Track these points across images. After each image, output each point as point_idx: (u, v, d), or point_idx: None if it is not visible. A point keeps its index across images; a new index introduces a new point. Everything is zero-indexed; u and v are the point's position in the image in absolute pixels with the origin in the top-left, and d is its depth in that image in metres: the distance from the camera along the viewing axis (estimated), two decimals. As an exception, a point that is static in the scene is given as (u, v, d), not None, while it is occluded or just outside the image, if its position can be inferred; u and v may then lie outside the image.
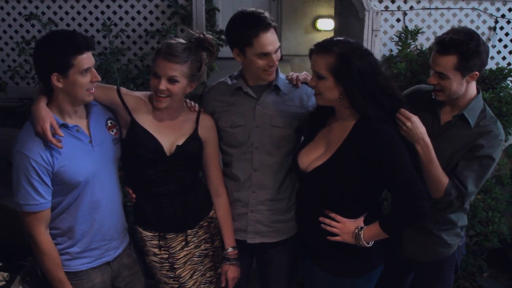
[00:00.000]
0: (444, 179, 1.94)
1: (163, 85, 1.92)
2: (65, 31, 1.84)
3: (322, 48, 1.83)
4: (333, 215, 1.89)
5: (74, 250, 1.95)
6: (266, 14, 2.00)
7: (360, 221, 1.88)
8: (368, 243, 1.86)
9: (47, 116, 1.79)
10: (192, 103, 2.15)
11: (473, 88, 2.01)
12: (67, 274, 1.93)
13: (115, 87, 2.06)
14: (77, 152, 1.87)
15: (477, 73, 1.94)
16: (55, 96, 1.85)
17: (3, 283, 2.53)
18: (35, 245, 1.86)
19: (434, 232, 2.12)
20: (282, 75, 2.16)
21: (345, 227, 1.87)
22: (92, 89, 1.85)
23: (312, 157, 1.93)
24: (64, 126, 1.85)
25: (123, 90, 2.06)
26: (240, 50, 2.02)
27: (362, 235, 1.85)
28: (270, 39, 1.96)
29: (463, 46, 1.89)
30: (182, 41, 1.98)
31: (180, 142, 2.03)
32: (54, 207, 1.88)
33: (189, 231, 2.13)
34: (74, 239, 1.94)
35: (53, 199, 1.86)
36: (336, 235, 1.88)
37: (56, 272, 1.90)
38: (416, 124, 1.85)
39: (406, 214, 1.81)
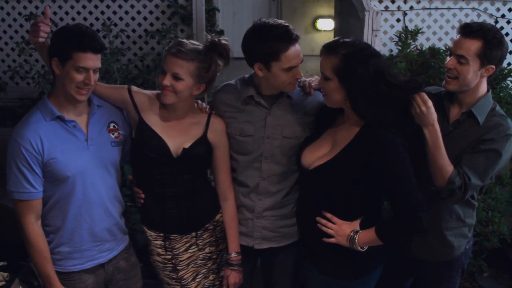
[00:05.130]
0: (449, 167, 1.91)
1: (168, 80, 1.92)
2: (86, 28, 1.85)
3: (328, 49, 1.81)
4: (329, 216, 1.88)
5: (65, 249, 1.95)
6: (291, 26, 1.91)
7: (356, 224, 1.87)
8: (362, 248, 1.84)
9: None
10: (204, 104, 2.12)
11: (483, 86, 1.99)
12: (59, 274, 1.93)
13: (127, 86, 2.07)
14: (69, 147, 1.88)
15: (493, 67, 1.92)
16: (56, 84, 1.89)
17: (3, 283, 2.53)
18: (24, 235, 1.87)
19: (442, 233, 2.09)
20: None
21: (340, 229, 1.85)
22: (84, 91, 1.85)
23: (316, 155, 1.91)
24: (59, 118, 1.87)
25: (134, 88, 2.06)
26: (264, 64, 1.92)
27: (357, 239, 1.83)
28: (297, 52, 1.90)
29: (490, 33, 1.89)
30: (196, 42, 1.97)
31: (187, 145, 2.01)
32: (46, 201, 1.89)
33: (193, 234, 2.12)
34: (64, 237, 1.93)
35: (44, 193, 1.88)
36: (331, 236, 1.87)
37: (43, 266, 1.90)
38: (431, 110, 1.83)
39: (403, 224, 1.80)
